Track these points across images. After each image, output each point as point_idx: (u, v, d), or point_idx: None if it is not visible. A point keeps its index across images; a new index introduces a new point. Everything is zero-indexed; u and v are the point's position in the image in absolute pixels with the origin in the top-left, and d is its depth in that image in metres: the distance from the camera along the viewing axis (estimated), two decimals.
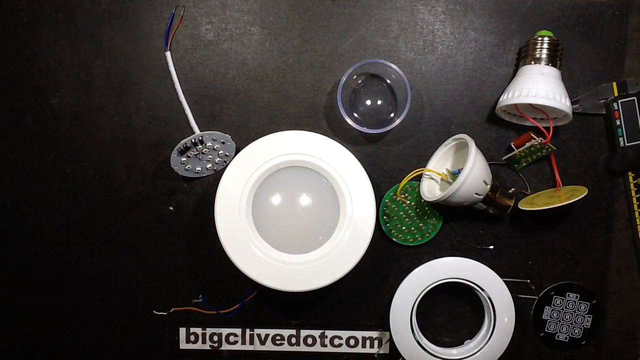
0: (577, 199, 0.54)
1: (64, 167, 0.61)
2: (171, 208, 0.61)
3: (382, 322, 0.63)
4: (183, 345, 0.63)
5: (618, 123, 0.59)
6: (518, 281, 0.62)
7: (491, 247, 0.62)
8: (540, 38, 0.56)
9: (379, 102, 0.60)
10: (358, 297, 0.63)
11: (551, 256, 0.62)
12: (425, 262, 0.60)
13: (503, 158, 0.60)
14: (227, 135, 0.58)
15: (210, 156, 0.59)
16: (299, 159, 0.54)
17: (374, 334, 0.63)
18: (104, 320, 0.63)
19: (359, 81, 0.60)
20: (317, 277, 0.54)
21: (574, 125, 0.60)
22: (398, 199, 0.60)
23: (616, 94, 0.59)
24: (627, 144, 0.59)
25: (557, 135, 0.60)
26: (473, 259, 0.60)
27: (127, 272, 0.62)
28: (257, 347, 0.63)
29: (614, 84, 0.59)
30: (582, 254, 0.62)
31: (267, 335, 0.63)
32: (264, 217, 0.55)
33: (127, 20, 0.59)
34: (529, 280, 0.62)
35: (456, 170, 0.57)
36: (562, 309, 0.62)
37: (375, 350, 0.63)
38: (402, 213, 0.60)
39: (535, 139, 0.57)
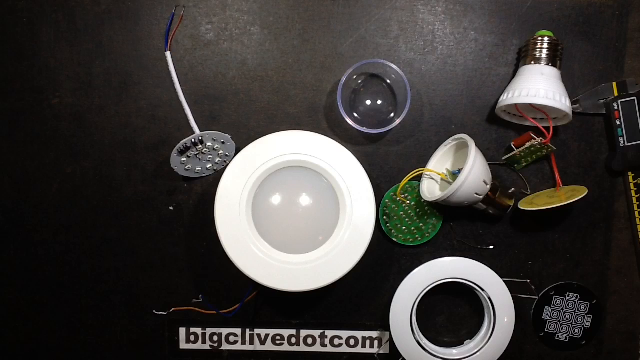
0: (577, 199, 0.54)
1: (64, 167, 0.61)
2: (171, 208, 0.61)
3: (382, 322, 0.63)
4: (183, 345, 0.63)
5: (618, 123, 0.59)
6: (518, 281, 0.62)
7: (491, 247, 0.62)
8: (540, 38, 0.56)
9: (379, 102, 0.60)
10: (358, 297, 0.63)
11: (551, 256, 0.62)
12: (425, 262, 0.60)
13: (503, 158, 0.60)
14: (227, 135, 0.58)
15: (210, 156, 0.59)
16: (299, 159, 0.54)
17: (374, 334, 0.63)
18: (104, 320, 0.63)
19: (359, 81, 0.60)
20: (317, 277, 0.54)
21: (574, 125, 0.60)
22: (398, 199, 0.60)
23: (616, 94, 0.59)
24: (627, 144, 0.59)
25: (557, 135, 0.60)
26: (473, 259, 0.60)
27: (127, 272, 0.62)
28: (257, 347, 0.63)
29: (614, 84, 0.59)
30: (582, 254, 0.62)
31: (267, 335, 0.63)
32: (264, 217, 0.55)
33: (127, 20, 0.59)
34: (529, 280, 0.62)
35: (456, 170, 0.57)
36: (562, 309, 0.62)
37: (375, 350, 0.63)
38: (402, 213, 0.60)
39: (535, 139, 0.57)
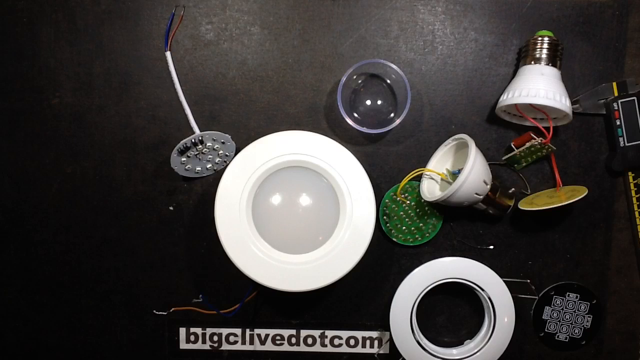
0: (577, 199, 0.54)
1: (64, 167, 0.61)
2: (171, 208, 0.61)
3: (382, 322, 0.63)
4: (183, 345, 0.63)
5: (618, 123, 0.59)
6: (518, 281, 0.62)
7: (491, 247, 0.62)
8: (540, 38, 0.56)
9: (379, 102, 0.60)
10: (358, 297, 0.63)
11: (551, 256, 0.62)
12: (425, 262, 0.60)
13: (503, 158, 0.60)
14: (227, 135, 0.58)
15: (210, 156, 0.59)
16: (299, 159, 0.54)
17: (374, 334, 0.63)
18: (104, 320, 0.63)
19: (359, 81, 0.60)
20: (317, 277, 0.54)
21: (574, 125, 0.60)
22: (398, 199, 0.60)
23: (616, 94, 0.59)
24: (627, 144, 0.59)
25: (557, 135, 0.60)
26: (473, 259, 0.60)
27: (127, 272, 0.62)
28: (257, 347, 0.63)
29: (614, 84, 0.59)
30: (582, 254, 0.62)
31: (267, 335, 0.63)
32: (264, 217, 0.55)
33: (127, 20, 0.59)
34: (529, 280, 0.62)
35: (456, 170, 0.57)
36: (562, 309, 0.62)
37: (375, 350, 0.63)
38: (402, 213, 0.60)
39: (535, 139, 0.57)
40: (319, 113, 0.60)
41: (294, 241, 0.55)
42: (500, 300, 0.59)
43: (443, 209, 0.60)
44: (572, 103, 0.58)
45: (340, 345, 0.63)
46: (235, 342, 0.63)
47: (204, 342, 0.63)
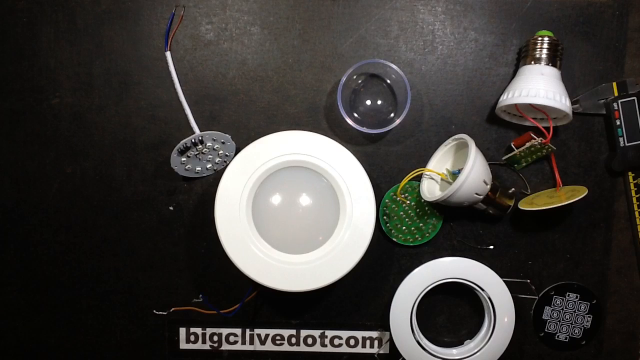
0: (577, 199, 0.54)
1: (64, 167, 0.61)
2: (171, 208, 0.61)
3: (382, 322, 0.63)
4: (183, 345, 0.63)
5: (618, 123, 0.59)
6: (518, 281, 0.62)
7: (491, 247, 0.62)
8: (540, 38, 0.56)
9: (379, 102, 0.60)
10: (358, 297, 0.63)
11: (551, 256, 0.62)
12: (425, 262, 0.60)
13: (503, 158, 0.60)
14: (227, 135, 0.58)
15: (210, 156, 0.59)
16: (299, 159, 0.54)
17: (374, 334, 0.63)
18: (104, 320, 0.63)
19: (359, 81, 0.60)
20: (317, 277, 0.54)
21: (574, 125, 0.60)
22: (398, 199, 0.60)
23: (616, 94, 0.59)
24: (627, 144, 0.59)
25: (557, 135, 0.60)
26: (473, 259, 0.60)
27: (127, 272, 0.62)
28: (257, 347, 0.63)
29: (614, 84, 0.59)
30: (582, 254, 0.62)
31: (267, 335, 0.63)
32: (264, 217, 0.55)
33: (127, 20, 0.59)
34: (529, 280, 0.62)
35: (456, 170, 0.57)
36: (562, 309, 0.62)
37: (375, 350, 0.63)
38: (402, 213, 0.60)
39: (535, 139, 0.57)
40: (319, 113, 0.60)
41: (294, 241, 0.55)
42: (500, 300, 0.59)
43: (443, 209, 0.60)
44: (572, 103, 0.58)
45: (340, 345, 0.63)
46: (235, 342, 0.63)
47: (204, 342, 0.63)
